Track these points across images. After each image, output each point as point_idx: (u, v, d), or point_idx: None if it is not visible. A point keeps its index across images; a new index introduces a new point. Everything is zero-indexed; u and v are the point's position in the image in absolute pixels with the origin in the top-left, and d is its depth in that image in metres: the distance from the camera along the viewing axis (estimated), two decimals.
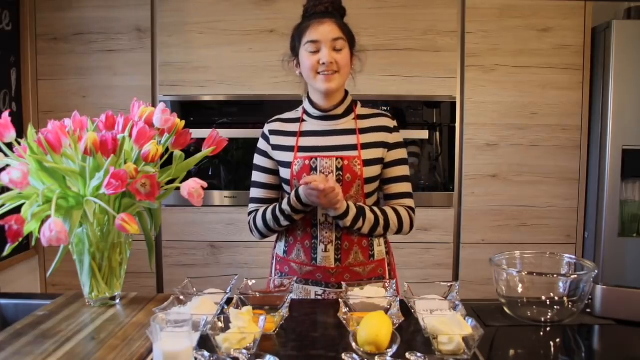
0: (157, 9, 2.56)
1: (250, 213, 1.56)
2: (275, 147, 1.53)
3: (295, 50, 1.49)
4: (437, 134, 2.60)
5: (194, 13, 2.55)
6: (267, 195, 1.56)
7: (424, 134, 2.57)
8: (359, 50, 1.53)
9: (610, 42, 2.44)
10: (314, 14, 1.45)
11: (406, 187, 1.54)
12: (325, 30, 1.42)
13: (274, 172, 1.55)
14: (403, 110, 2.57)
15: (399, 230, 1.52)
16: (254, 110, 2.59)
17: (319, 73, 1.43)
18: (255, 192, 1.57)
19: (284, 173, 1.51)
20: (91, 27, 2.56)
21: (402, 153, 1.54)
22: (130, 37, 2.56)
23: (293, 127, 1.53)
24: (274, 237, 1.60)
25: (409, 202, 1.54)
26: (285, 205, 1.45)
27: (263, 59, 2.53)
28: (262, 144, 1.57)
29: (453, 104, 2.57)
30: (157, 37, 2.56)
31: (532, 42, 2.54)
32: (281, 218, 1.46)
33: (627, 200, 2.55)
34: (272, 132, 1.55)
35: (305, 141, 1.50)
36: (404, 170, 1.54)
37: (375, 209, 1.48)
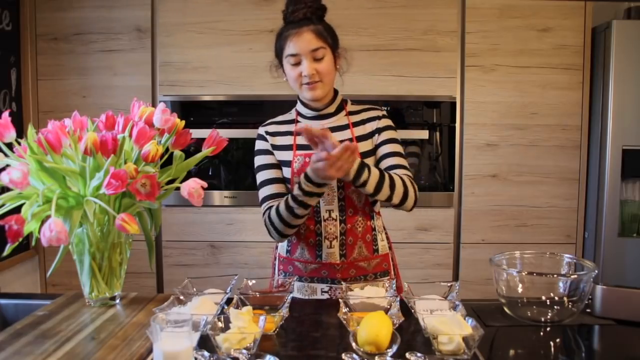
0: (157, 9, 2.56)
1: (264, 213, 1.49)
2: (275, 147, 1.54)
3: (279, 58, 1.50)
4: (437, 134, 2.60)
5: (194, 13, 2.55)
6: (279, 190, 1.50)
7: (424, 134, 2.57)
8: (343, 49, 1.51)
9: (610, 42, 2.44)
10: (292, 22, 1.44)
11: (399, 160, 1.49)
12: (303, 43, 1.41)
13: (280, 167, 1.53)
14: (403, 110, 2.57)
15: (404, 198, 1.41)
16: (254, 110, 2.59)
17: (303, 84, 1.45)
18: (265, 191, 1.51)
19: (285, 172, 1.51)
20: (91, 27, 2.56)
21: (391, 134, 1.53)
22: (130, 37, 2.56)
23: (288, 127, 1.55)
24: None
25: (405, 172, 1.47)
26: (296, 191, 1.37)
27: (263, 59, 2.48)
28: (261, 145, 1.56)
29: (453, 104, 2.57)
30: (157, 37, 2.56)
31: (532, 42, 2.54)
32: (295, 206, 1.38)
33: (627, 200, 2.54)
34: (269, 133, 1.56)
35: (302, 139, 1.50)
36: (394, 147, 1.51)
37: (383, 171, 1.42)
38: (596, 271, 1.24)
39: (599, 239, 2.54)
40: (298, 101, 1.56)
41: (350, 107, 1.56)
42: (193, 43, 2.55)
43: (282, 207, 1.42)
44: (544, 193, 2.60)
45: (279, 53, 1.49)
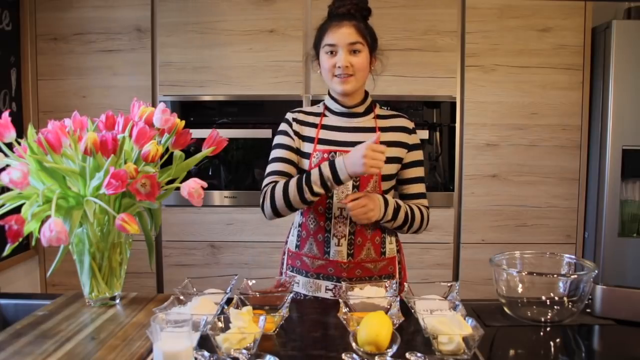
0: (157, 9, 2.56)
1: (266, 185, 1.49)
2: (297, 135, 1.54)
3: (316, 49, 1.52)
4: (437, 134, 2.60)
5: (194, 13, 2.55)
6: (287, 170, 1.51)
7: (424, 134, 2.57)
8: (381, 51, 1.54)
9: (610, 42, 2.44)
10: (336, 16, 1.47)
11: (422, 187, 1.58)
12: (342, 34, 1.43)
13: (296, 151, 1.53)
14: (403, 110, 2.56)
15: (416, 231, 1.55)
16: (254, 110, 2.58)
17: (335, 75, 1.46)
18: (274, 166, 1.52)
19: (303, 164, 1.52)
20: (91, 27, 2.57)
21: (419, 155, 1.58)
22: (130, 37, 2.56)
23: (314, 119, 1.55)
24: (285, 232, 1.60)
25: (424, 202, 1.58)
26: (314, 176, 1.39)
27: (263, 59, 2.53)
28: (284, 127, 1.56)
29: (453, 104, 2.57)
30: (157, 37, 2.56)
31: (532, 42, 2.54)
32: (307, 191, 1.39)
33: (627, 200, 2.54)
34: (296, 120, 1.56)
35: (326, 134, 1.52)
36: (420, 172, 1.57)
37: (407, 207, 1.50)
38: (596, 271, 1.24)
39: (599, 239, 2.54)
40: (328, 96, 1.57)
41: (378, 111, 1.57)
42: (193, 43, 2.55)
43: (292, 185, 1.41)
44: (544, 193, 2.60)
45: (317, 44, 1.51)
